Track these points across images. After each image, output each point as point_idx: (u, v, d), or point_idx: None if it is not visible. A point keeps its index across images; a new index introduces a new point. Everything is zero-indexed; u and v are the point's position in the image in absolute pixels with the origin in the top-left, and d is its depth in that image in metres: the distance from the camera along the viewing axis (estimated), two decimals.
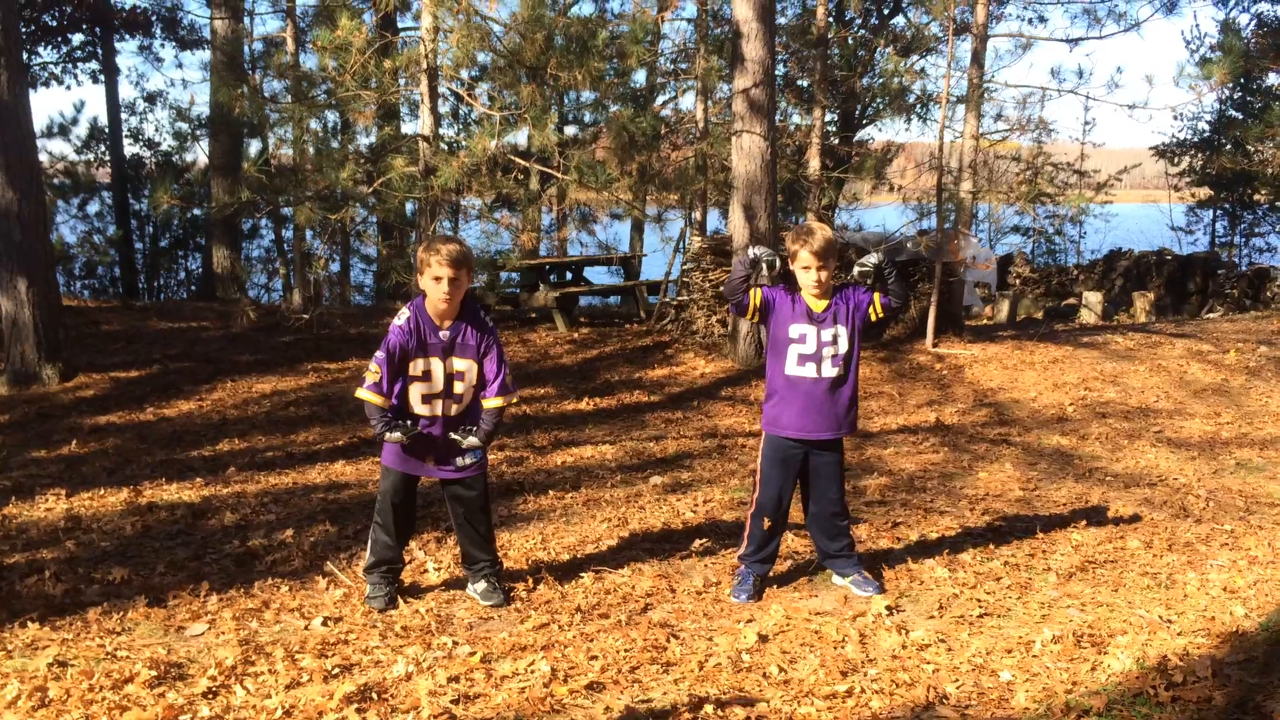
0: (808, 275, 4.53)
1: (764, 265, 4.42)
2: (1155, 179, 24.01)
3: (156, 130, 19.14)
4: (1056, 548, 5.26)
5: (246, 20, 16.74)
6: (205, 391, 9.66)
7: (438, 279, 4.34)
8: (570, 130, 17.74)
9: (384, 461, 4.57)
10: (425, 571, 5.03)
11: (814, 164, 13.78)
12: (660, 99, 17.62)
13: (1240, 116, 20.31)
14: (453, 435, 4.44)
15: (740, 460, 7.33)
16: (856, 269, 4.47)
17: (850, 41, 15.95)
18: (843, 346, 4.56)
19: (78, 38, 17.09)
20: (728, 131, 11.72)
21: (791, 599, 4.64)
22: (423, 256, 4.37)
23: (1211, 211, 22.34)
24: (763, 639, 4.09)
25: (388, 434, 4.31)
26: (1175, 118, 21.59)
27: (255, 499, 6.35)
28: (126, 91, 32.96)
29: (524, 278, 14.18)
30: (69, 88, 19.38)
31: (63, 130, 17.69)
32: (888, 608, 4.40)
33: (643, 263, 16.37)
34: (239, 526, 5.83)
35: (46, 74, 17.15)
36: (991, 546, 5.27)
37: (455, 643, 4.10)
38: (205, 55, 17.65)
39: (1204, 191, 21.86)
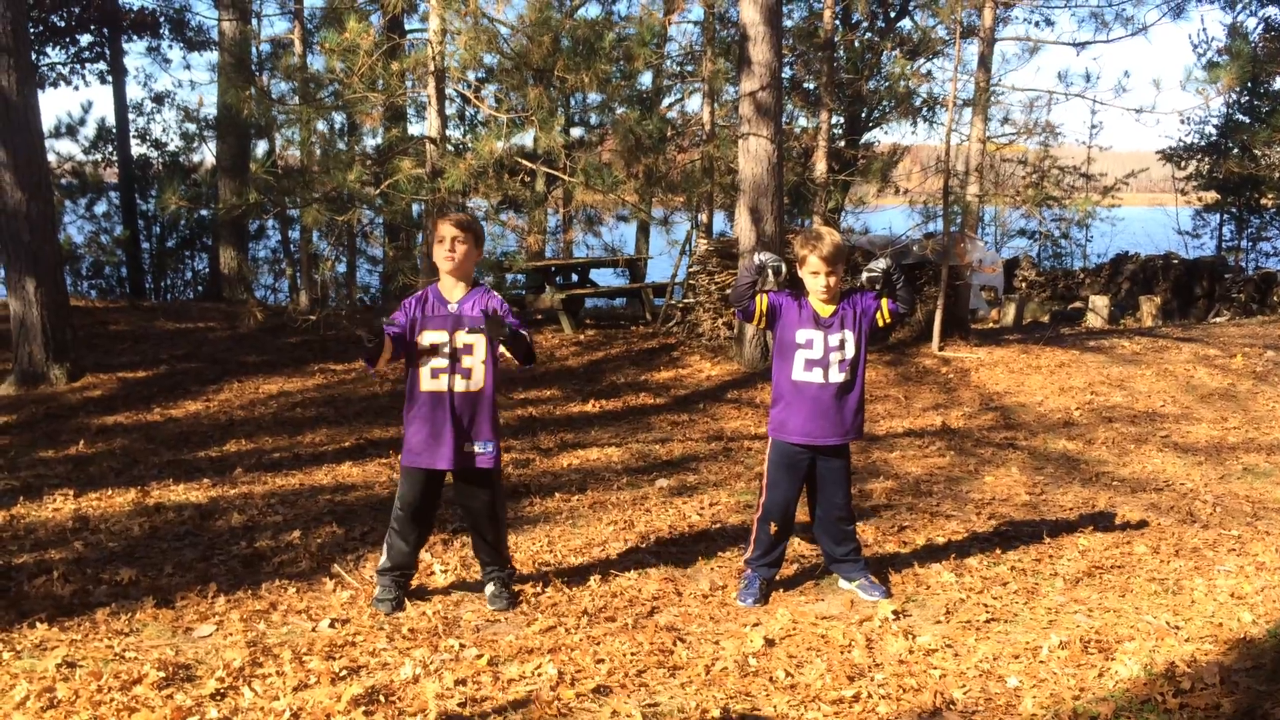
0: (816, 281, 4.52)
1: (770, 271, 4.42)
2: (1162, 182, 23.96)
3: (164, 131, 19.26)
4: (1063, 553, 5.26)
5: (254, 22, 16.77)
6: (212, 392, 9.69)
7: (441, 240, 4.40)
8: (576, 132, 17.74)
9: (403, 463, 4.57)
10: (432, 574, 5.04)
11: (820, 167, 13.77)
12: (666, 101, 17.64)
13: (1247, 121, 20.28)
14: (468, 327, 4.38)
15: (746, 464, 7.33)
16: (865, 274, 4.47)
17: (857, 44, 15.96)
18: (850, 352, 4.56)
19: (86, 38, 17.15)
20: (734, 134, 11.73)
21: (798, 603, 4.64)
22: (434, 226, 4.48)
23: (1218, 216, 22.30)
24: (769, 643, 4.09)
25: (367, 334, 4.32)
26: (1182, 122, 21.58)
27: (262, 500, 6.36)
28: (134, 92, 33.12)
29: (530, 279, 14.20)
30: (77, 88, 19.51)
31: (70, 131, 17.74)
32: (894, 612, 4.40)
33: (649, 265, 16.40)
34: (246, 528, 5.84)
35: (55, 74, 17.21)
36: (998, 551, 5.27)
37: (462, 645, 4.11)
38: (213, 56, 17.67)
39: (1211, 195, 21.83)
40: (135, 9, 17.25)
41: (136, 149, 18.34)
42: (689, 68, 16.35)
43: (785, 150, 12.41)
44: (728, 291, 11.45)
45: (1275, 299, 16.96)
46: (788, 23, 14.62)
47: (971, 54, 11.96)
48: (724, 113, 14.71)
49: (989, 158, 13.40)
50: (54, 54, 17.07)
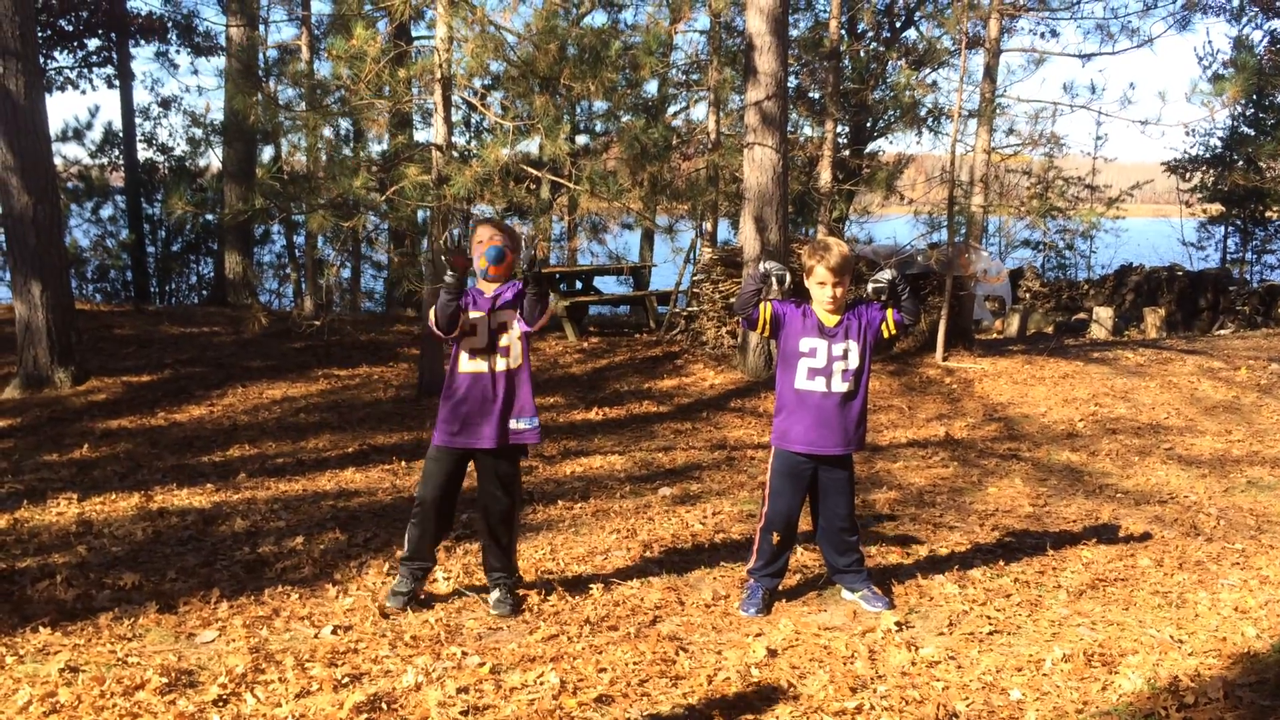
0: (823, 291, 4.52)
1: (774, 280, 4.42)
2: (1167, 194, 23.95)
3: (170, 136, 19.21)
4: (1067, 565, 5.25)
5: (262, 28, 16.82)
6: (216, 397, 9.70)
7: (480, 242, 4.54)
8: (582, 140, 17.77)
9: (436, 443, 4.60)
10: (435, 581, 5.03)
11: (825, 176, 13.78)
12: (672, 109, 17.67)
13: (1253, 133, 20.28)
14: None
15: (749, 472, 7.32)
16: (870, 285, 4.47)
17: (862, 54, 15.98)
18: (854, 361, 4.55)
19: (94, 43, 17.21)
20: (739, 143, 11.74)
21: (800, 613, 4.63)
22: (473, 230, 4.69)
23: (1223, 227, 22.29)
24: (772, 653, 4.09)
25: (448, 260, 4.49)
26: (1188, 134, 21.59)
27: (265, 505, 6.37)
28: (141, 97, 33.24)
29: None
30: (84, 92, 19.50)
31: (77, 134, 17.78)
32: (897, 623, 4.39)
33: (653, 273, 16.40)
34: (249, 533, 5.85)
35: (62, 79, 17.28)
36: (1001, 563, 5.26)
37: (465, 653, 4.10)
38: (220, 62, 17.73)
39: (1216, 207, 21.82)
40: (143, 14, 17.33)
41: (143, 153, 18.41)
42: (694, 76, 16.37)
43: (790, 159, 12.42)
44: (732, 300, 11.47)
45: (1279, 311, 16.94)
46: (794, 32, 14.64)
47: (977, 65, 12.01)
48: (729, 121, 14.73)
49: (994, 168, 13.40)
50: (62, 58, 17.14)
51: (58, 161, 16.07)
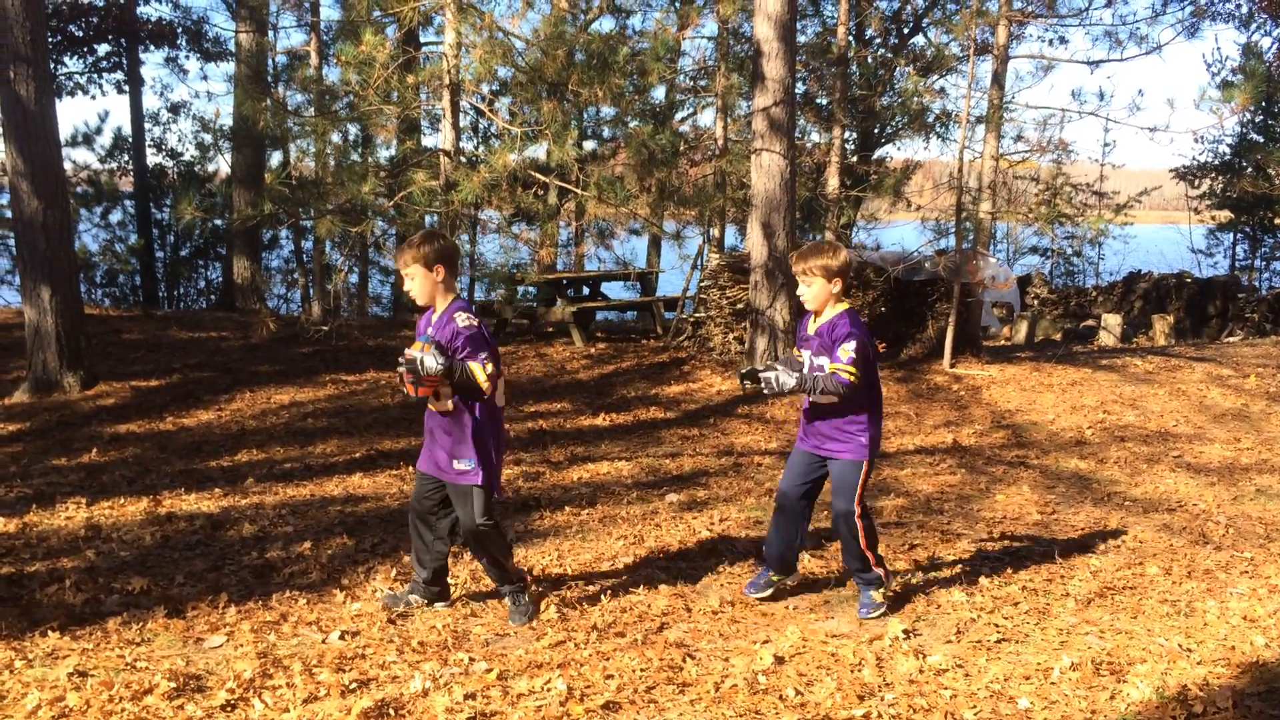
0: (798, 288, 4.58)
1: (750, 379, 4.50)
2: (1175, 201, 23.91)
3: (180, 141, 19.38)
4: (1075, 573, 5.23)
5: (271, 34, 16.87)
6: (224, 402, 9.72)
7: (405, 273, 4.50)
8: (589, 146, 17.81)
9: None
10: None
11: (833, 182, 13.78)
12: (679, 115, 17.68)
13: (1262, 140, 20.26)
14: (407, 351, 4.31)
15: (756, 479, 7.32)
16: (765, 389, 4.43)
17: (870, 60, 15.99)
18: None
19: (104, 48, 17.26)
20: (747, 149, 11.75)
21: (808, 621, 4.62)
22: None
23: (1232, 234, 22.25)
24: (779, 661, 4.08)
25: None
26: (1196, 140, 21.51)
27: (273, 510, 6.38)
28: (151, 102, 33.34)
29: (541, 292, 14.23)
30: (94, 97, 19.51)
31: (87, 139, 17.87)
32: (905, 631, 4.39)
33: (660, 279, 16.41)
34: (257, 538, 5.86)
35: (72, 84, 17.33)
36: (1009, 570, 5.25)
37: (472, 659, 4.10)
38: (230, 68, 17.77)
39: (1224, 214, 21.79)
40: (153, 20, 17.35)
41: (152, 158, 18.49)
42: (702, 82, 16.38)
43: (798, 165, 12.43)
44: (740, 305, 11.47)
45: None
46: (801, 39, 14.66)
47: (985, 71, 11.98)
48: (736, 127, 14.74)
49: (1002, 174, 13.39)
50: (72, 63, 17.20)
51: (67, 166, 16.11)
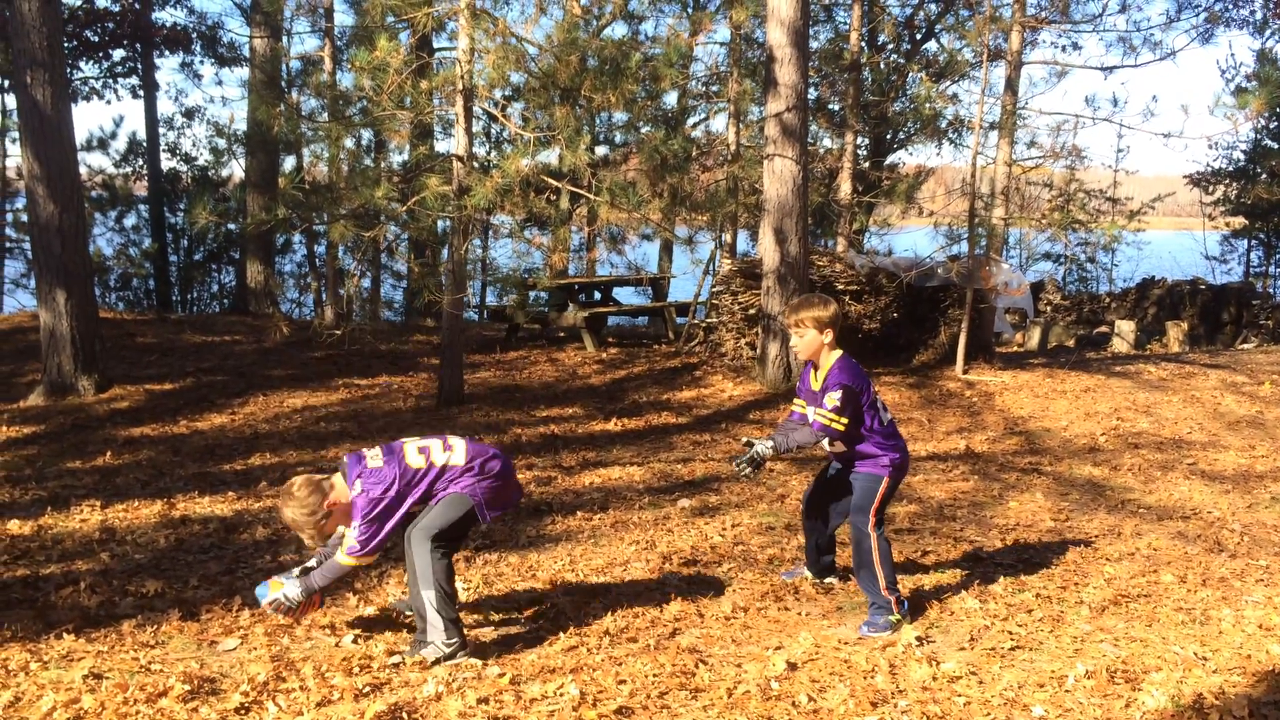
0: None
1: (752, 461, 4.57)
2: (1189, 207, 23.81)
3: (194, 145, 19.38)
4: (1089, 580, 5.21)
5: (285, 39, 16.96)
6: (238, 405, 9.75)
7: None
8: (601, 151, 17.83)
9: None
10: None
11: (845, 188, 13.79)
12: (691, 121, 17.70)
13: (1276, 146, 20.15)
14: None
15: (768, 485, 7.31)
16: (747, 465, 4.54)
17: (883, 66, 15.98)
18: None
19: (119, 53, 17.35)
20: (759, 154, 11.75)
21: (820, 627, 4.62)
22: None
23: (1246, 241, 22.13)
24: (792, 667, 4.07)
25: None
26: (1210, 147, 21.46)
27: None
28: (165, 107, 33.47)
29: (553, 297, 14.25)
30: (109, 102, 19.69)
31: (102, 144, 17.95)
32: (918, 638, 4.37)
33: (671, 284, 16.40)
34: (270, 541, 5.88)
35: (88, 89, 17.43)
36: (1022, 577, 5.24)
37: (484, 663, 4.11)
38: (244, 73, 17.87)
39: (1239, 221, 21.68)
40: (168, 25, 17.45)
41: (166, 163, 18.57)
42: (714, 88, 16.41)
43: (810, 171, 12.43)
44: (751, 311, 11.46)
45: None
46: (814, 44, 14.65)
47: (998, 77, 11.97)
48: (749, 133, 14.74)
49: (1015, 180, 13.37)
50: (87, 68, 17.30)
51: (82, 170, 16.21)
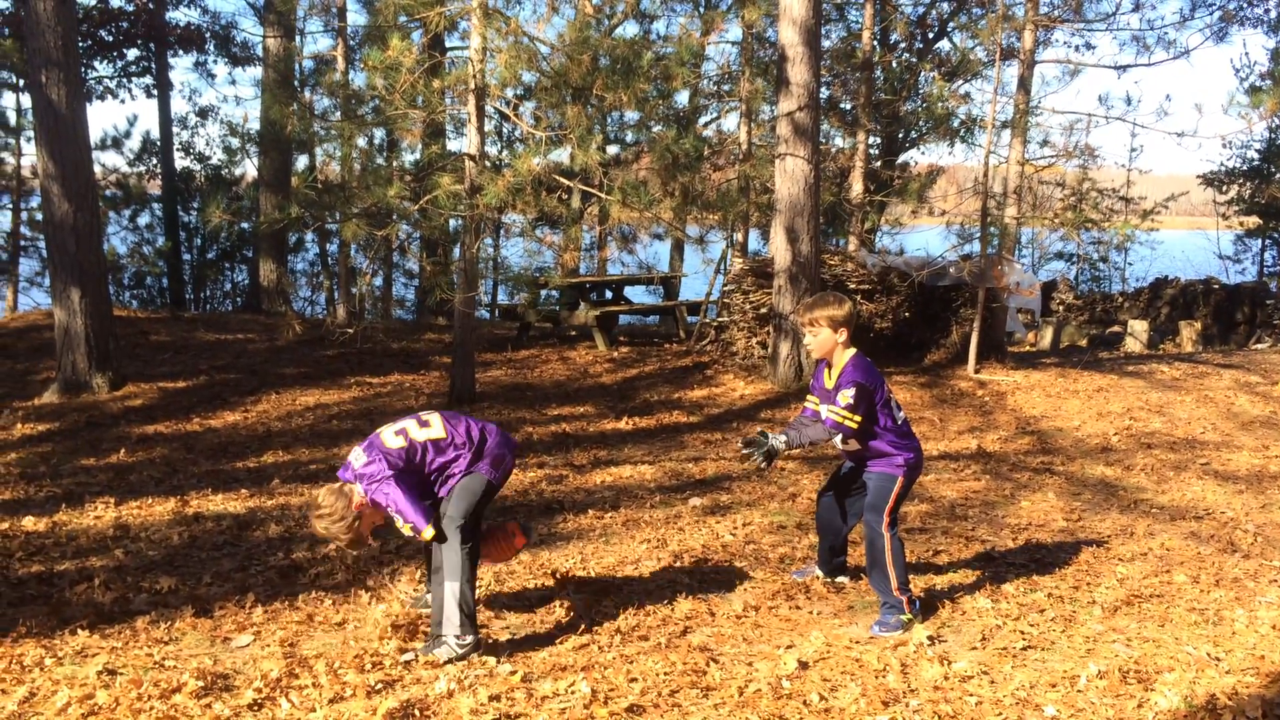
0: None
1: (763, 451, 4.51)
2: (1203, 206, 23.71)
3: (207, 145, 19.49)
4: (1101, 580, 5.20)
5: (298, 39, 17.03)
6: (250, 403, 9.79)
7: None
8: (613, 150, 17.84)
9: None
10: None
11: (857, 187, 13.77)
12: (703, 120, 17.72)
13: None
14: None
15: (779, 484, 7.31)
16: (759, 452, 4.48)
17: (895, 65, 15.95)
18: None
19: (133, 53, 17.43)
20: (771, 153, 11.74)
21: (831, 626, 4.61)
22: None
23: (1260, 240, 22.03)
24: (803, 666, 4.07)
25: None
26: (1224, 146, 21.35)
27: (299, 512, 6.42)
28: (179, 106, 33.64)
29: (565, 295, 14.27)
30: (123, 101, 19.76)
31: (116, 143, 18.03)
32: (929, 637, 4.37)
33: (683, 283, 16.42)
34: (283, 539, 5.90)
35: (102, 88, 17.52)
36: (1035, 577, 5.22)
37: (496, 661, 4.12)
38: (257, 72, 17.94)
39: (1253, 220, 21.59)
40: (182, 25, 17.54)
41: (180, 162, 18.65)
42: (726, 87, 16.40)
43: (822, 170, 12.41)
44: (762, 310, 11.45)
45: None
46: (826, 43, 14.64)
47: (1011, 76, 11.96)
48: (760, 132, 14.74)
49: (1027, 179, 13.33)
50: (101, 68, 17.38)
51: (97, 169, 16.30)
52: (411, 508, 4.06)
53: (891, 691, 3.84)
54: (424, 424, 4.29)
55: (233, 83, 39.00)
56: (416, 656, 4.15)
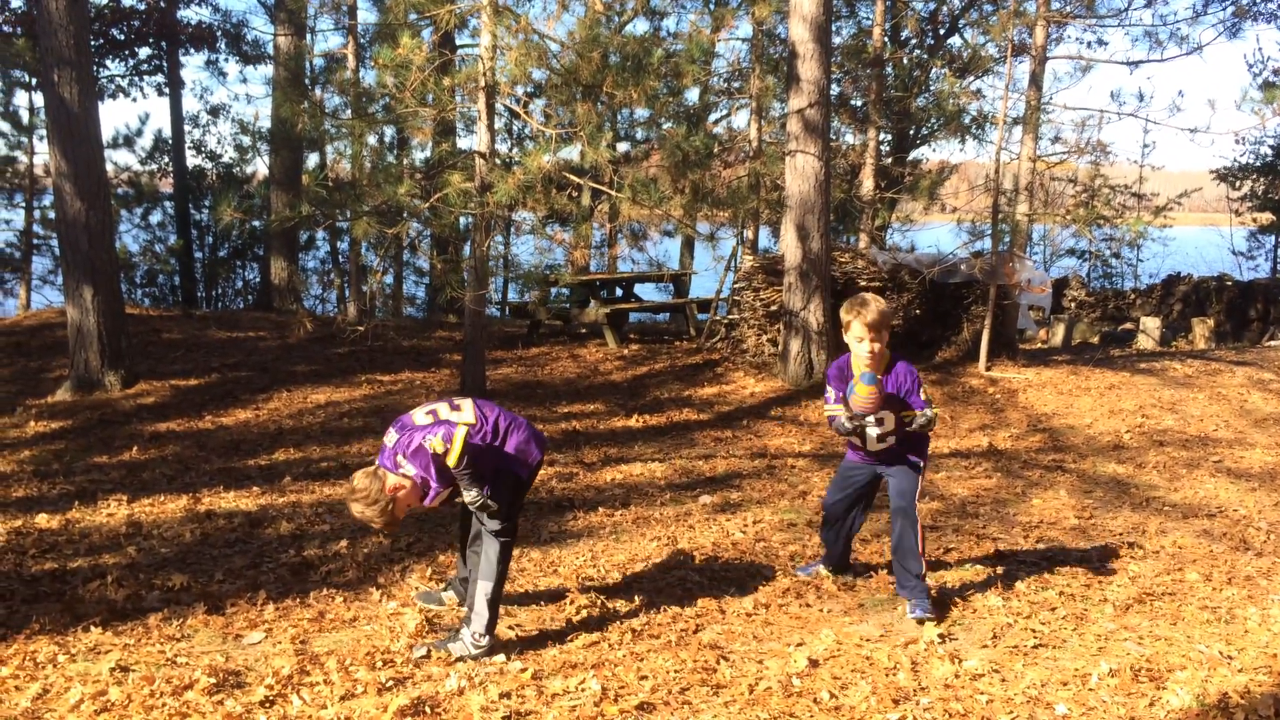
0: (860, 347, 4.59)
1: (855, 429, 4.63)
2: (1215, 202, 23.60)
3: (219, 143, 19.57)
4: (1113, 578, 5.18)
5: (309, 37, 17.04)
6: (262, 401, 9.82)
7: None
8: (623, 147, 17.83)
9: None
10: None
11: (867, 184, 13.73)
12: (713, 117, 17.68)
13: None
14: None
15: (790, 481, 7.30)
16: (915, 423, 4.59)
17: (905, 62, 15.90)
18: (889, 425, 4.67)
19: (144, 51, 17.50)
20: (781, 150, 11.72)
21: (842, 624, 4.61)
22: None
23: (1273, 237, 21.92)
24: (813, 663, 4.07)
25: None
26: (1237, 142, 21.20)
27: (310, 509, 6.44)
28: (190, 104, 33.82)
29: (575, 293, 14.27)
30: (135, 100, 19.85)
31: (128, 141, 18.10)
32: (940, 635, 4.36)
33: (693, 280, 16.40)
34: (294, 536, 5.92)
35: (114, 86, 17.58)
36: (1046, 575, 5.21)
37: (507, 658, 4.13)
38: (268, 70, 17.97)
39: (1266, 216, 21.47)
40: (193, 23, 17.59)
41: (191, 160, 18.72)
42: (736, 84, 16.37)
43: (832, 167, 12.38)
44: (773, 308, 11.44)
45: None
46: (836, 40, 14.61)
47: (1023, 72, 11.90)
48: (771, 129, 14.72)
49: (1039, 176, 13.28)
50: (113, 66, 17.44)
51: (109, 168, 16.36)
52: (474, 472, 4.15)
53: (902, 689, 3.83)
54: (455, 408, 4.32)
55: (244, 81, 39.30)
56: (429, 651, 4.16)
